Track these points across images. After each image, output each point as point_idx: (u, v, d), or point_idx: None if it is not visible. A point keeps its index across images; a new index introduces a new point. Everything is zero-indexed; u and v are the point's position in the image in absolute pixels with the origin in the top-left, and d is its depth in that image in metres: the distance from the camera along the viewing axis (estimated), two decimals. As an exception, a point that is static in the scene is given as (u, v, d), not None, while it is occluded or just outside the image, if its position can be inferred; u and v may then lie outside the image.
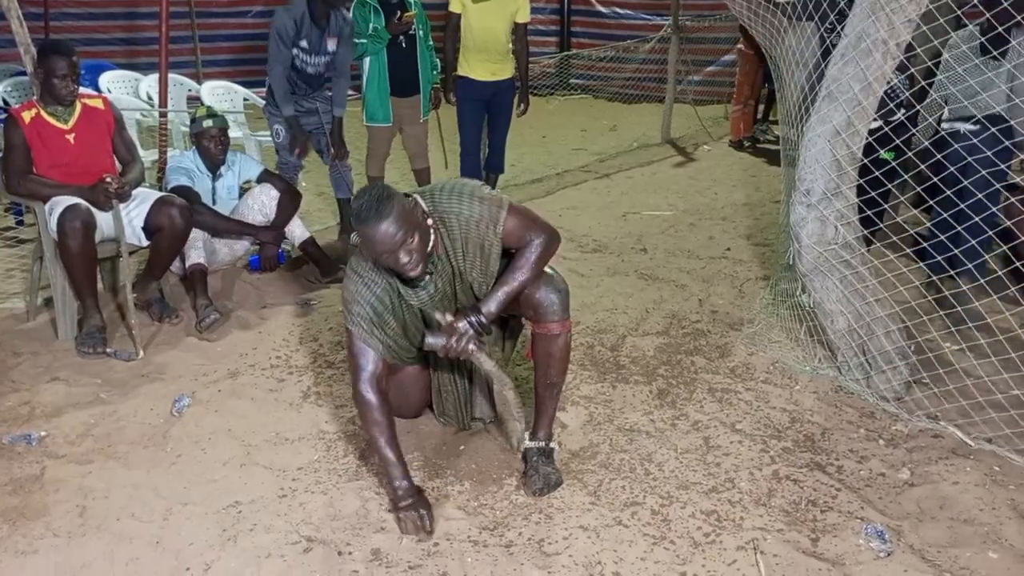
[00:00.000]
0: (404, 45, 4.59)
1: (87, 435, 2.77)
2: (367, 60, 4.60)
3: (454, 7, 4.76)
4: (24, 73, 5.39)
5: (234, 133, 4.91)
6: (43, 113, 3.38)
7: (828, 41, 3.07)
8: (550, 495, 2.42)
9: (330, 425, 2.83)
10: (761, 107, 7.54)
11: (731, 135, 7.25)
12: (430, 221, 2.31)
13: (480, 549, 2.21)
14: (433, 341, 2.29)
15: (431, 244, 2.29)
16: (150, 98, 5.71)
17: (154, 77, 5.64)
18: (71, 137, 3.39)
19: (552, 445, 2.54)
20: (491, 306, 2.33)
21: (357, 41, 4.50)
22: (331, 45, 4.31)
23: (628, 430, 2.78)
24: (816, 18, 3.19)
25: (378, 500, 2.41)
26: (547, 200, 5.70)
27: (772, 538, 2.23)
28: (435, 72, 4.85)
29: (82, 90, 3.52)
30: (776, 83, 3.79)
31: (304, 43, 4.21)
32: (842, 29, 2.89)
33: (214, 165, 3.97)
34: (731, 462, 2.58)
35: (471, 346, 2.29)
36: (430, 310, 2.40)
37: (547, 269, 2.44)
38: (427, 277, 2.35)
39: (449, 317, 2.31)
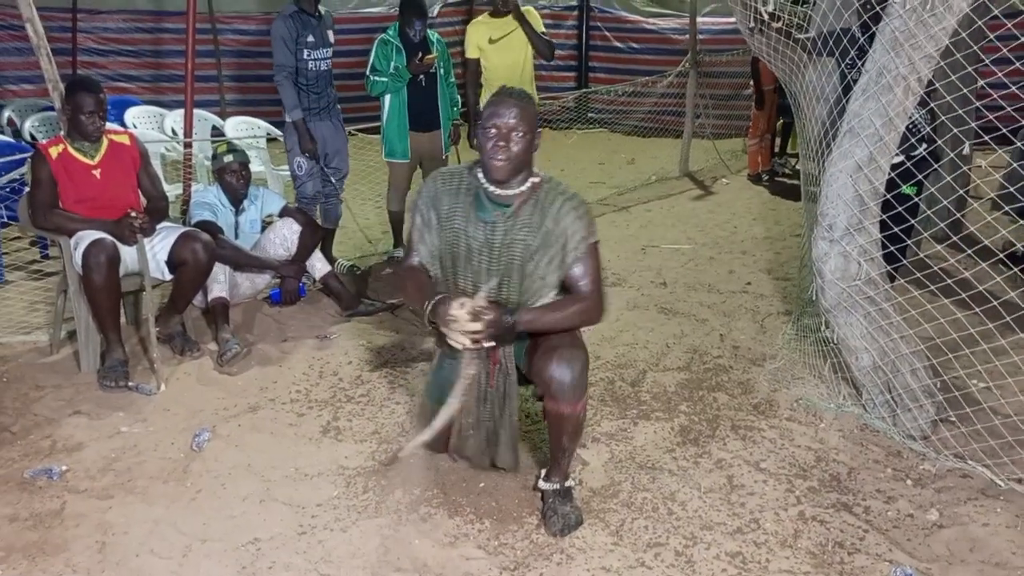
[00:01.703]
0: (424, 83, 4.63)
1: (108, 469, 2.77)
2: (387, 98, 4.65)
3: (471, 53, 4.82)
4: (51, 108, 5.50)
5: (256, 168, 4.97)
6: (70, 149, 3.43)
7: (849, 77, 3.07)
8: (572, 534, 2.39)
9: (350, 461, 2.81)
10: (778, 140, 7.54)
11: (749, 169, 7.24)
12: (536, 179, 2.37)
13: (501, 589, 2.18)
14: (456, 313, 2.21)
15: (522, 187, 2.34)
16: (175, 133, 5.79)
17: (179, 112, 5.74)
18: (97, 172, 3.44)
19: (569, 483, 2.49)
20: (524, 317, 2.29)
21: (377, 79, 4.56)
22: (331, 36, 4.49)
23: (650, 468, 2.74)
24: (836, 54, 3.19)
25: (397, 538, 2.39)
26: (566, 234, 5.69)
27: (799, 581, 2.18)
28: (455, 108, 4.89)
29: (109, 125, 3.58)
30: (795, 118, 3.79)
31: (309, 38, 4.37)
32: (862, 65, 2.90)
33: (236, 200, 4.01)
34: (756, 502, 2.54)
35: (484, 336, 2.22)
36: (476, 252, 2.38)
37: (574, 339, 2.37)
38: (501, 212, 2.35)
39: (483, 301, 2.25)
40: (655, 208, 6.40)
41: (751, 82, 7.07)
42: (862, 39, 2.98)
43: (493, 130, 2.24)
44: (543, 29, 4.91)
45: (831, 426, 2.99)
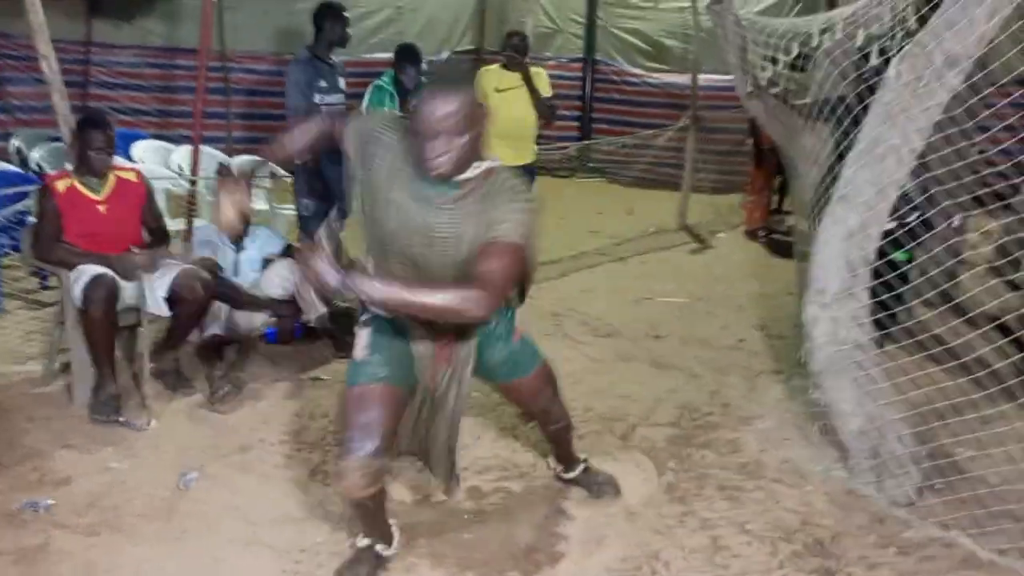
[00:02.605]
0: None
1: (95, 505, 2.77)
2: None
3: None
4: (59, 138, 5.58)
5: (260, 206, 5.03)
6: (77, 183, 3.48)
7: (843, 144, 3.14)
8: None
9: (335, 506, 2.81)
10: (776, 197, 7.63)
11: (746, 224, 7.32)
12: (491, 164, 2.07)
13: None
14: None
15: (472, 172, 2.03)
16: (181, 169, 5.87)
17: (186, 148, 5.81)
18: (103, 208, 3.49)
19: (584, 459, 2.91)
20: (374, 284, 1.97)
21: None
22: (342, 83, 4.63)
23: (635, 524, 2.75)
24: (832, 121, 3.27)
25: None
26: (561, 281, 5.74)
27: (780, 647, 2.18)
28: None
29: (117, 161, 3.64)
30: (790, 178, 3.87)
31: (322, 83, 4.51)
32: (856, 133, 2.97)
33: (238, 238, 4.05)
34: (740, 565, 2.54)
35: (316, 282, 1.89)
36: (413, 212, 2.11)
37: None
38: (446, 194, 2.06)
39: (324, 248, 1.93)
40: (651, 260, 6.46)
41: (750, 139, 7.18)
42: (857, 108, 3.06)
43: (421, 130, 1.95)
44: (549, 92, 5.02)
45: (818, 489, 3.00)
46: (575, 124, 10.48)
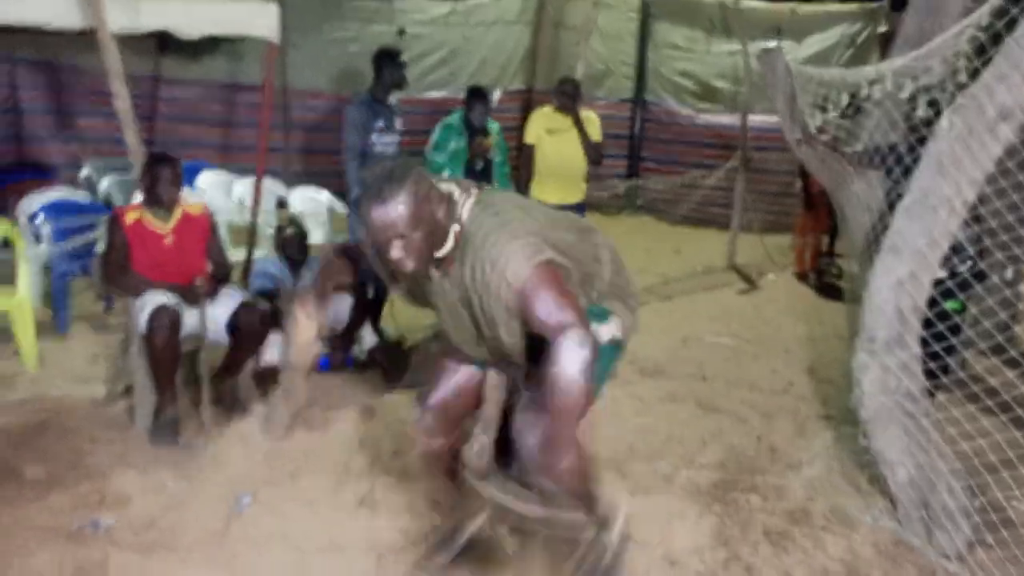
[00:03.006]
0: (480, 169, 4.85)
1: (152, 526, 2.87)
2: (444, 175, 4.88)
3: (529, 139, 5.04)
4: (124, 169, 5.82)
5: (317, 239, 5.18)
6: (145, 216, 3.64)
7: (892, 194, 3.15)
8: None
9: (383, 534, 2.87)
10: (826, 240, 7.57)
11: (795, 266, 7.28)
12: (456, 228, 2.00)
13: None
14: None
15: (443, 252, 2.00)
16: (242, 201, 6.07)
17: (248, 181, 6.01)
18: (169, 240, 3.64)
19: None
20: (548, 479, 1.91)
21: (435, 159, 4.80)
22: (399, 124, 4.80)
23: (678, 567, 2.75)
24: (882, 169, 3.28)
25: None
26: (609, 320, 5.77)
27: None
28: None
29: (186, 192, 3.80)
30: (840, 223, 3.87)
31: (380, 123, 4.67)
32: (907, 182, 2.98)
33: (296, 269, 4.19)
34: (784, 612, 2.53)
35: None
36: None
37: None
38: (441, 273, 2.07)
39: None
40: (699, 300, 6.45)
41: (800, 182, 7.16)
42: (908, 159, 3.07)
43: (374, 243, 1.95)
44: (599, 138, 5.12)
45: (865, 539, 2.97)
46: (623, 162, 10.55)
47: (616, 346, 2.24)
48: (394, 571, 2.67)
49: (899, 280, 2.89)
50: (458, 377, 2.36)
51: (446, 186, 2.03)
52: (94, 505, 2.98)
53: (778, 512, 3.13)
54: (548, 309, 1.89)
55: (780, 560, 2.81)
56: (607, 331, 2.18)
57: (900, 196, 3.03)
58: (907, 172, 3.07)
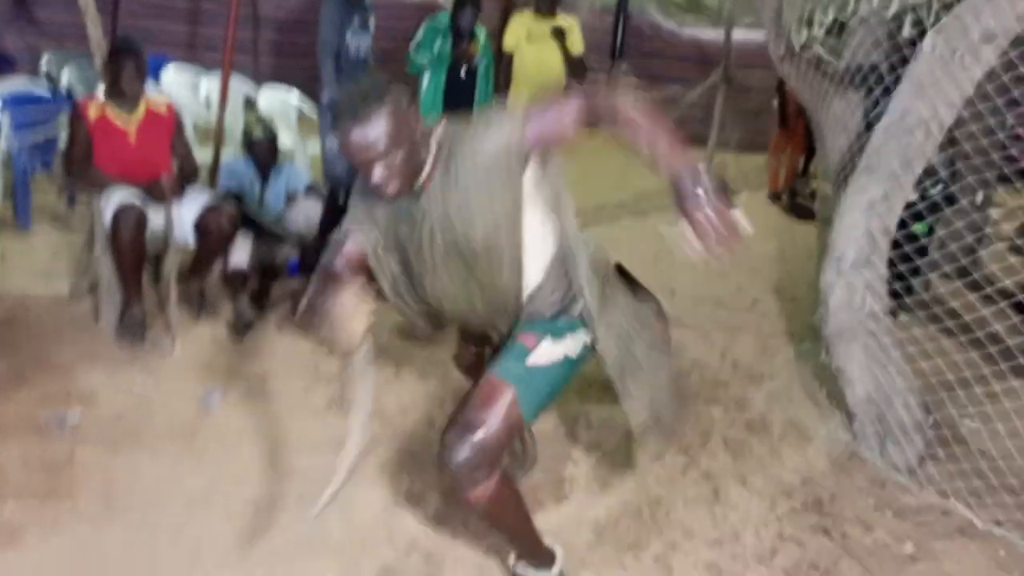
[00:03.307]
0: (464, 76, 4.73)
1: (119, 422, 2.88)
2: (424, 78, 4.76)
3: (507, 46, 4.91)
4: (85, 59, 5.59)
5: (285, 141, 5.06)
6: (108, 111, 3.52)
7: (871, 114, 3.14)
8: (559, 528, 2.47)
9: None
10: (802, 160, 7.58)
11: (769, 186, 7.29)
12: (435, 141, 1.88)
13: (483, 572, 2.27)
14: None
15: (423, 172, 1.87)
16: (208, 99, 5.89)
17: (215, 77, 5.83)
18: (132, 136, 3.53)
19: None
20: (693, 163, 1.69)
21: (417, 58, 4.68)
22: (371, 23, 4.67)
23: (638, 472, 2.83)
24: (863, 89, 3.25)
25: (392, 512, 2.48)
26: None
27: (771, 597, 2.27)
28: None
29: (149, 87, 3.67)
30: (817, 143, 3.86)
31: (355, 21, 4.53)
32: (886, 103, 2.96)
33: (264, 173, 4.10)
34: (738, 516, 2.62)
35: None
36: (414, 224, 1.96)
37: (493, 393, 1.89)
38: (414, 201, 1.92)
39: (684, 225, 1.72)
40: (672, 217, 6.45)
41: (777, 100, 7.10)
42: (888, 79, 3.04)
43: (355, 164, 1.83)
44: (580, 49, 4.99)
45: (820, 450, 3.07)
46: (603, 77, 10.36)
47: (571, 363, 2.04)
48: (362, 467, 2.71)
49: (871, 201, 2.90)
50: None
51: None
52: (60, 401, 2.97)
53: (737, 423, 3.22)
54: (560, 105, 1.82)
55: (737, 468, 2.90)
56: (560, 349, 2.00)
57: (879, 117, 3.02)
58: (887, 92, 3.05)
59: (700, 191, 1.66)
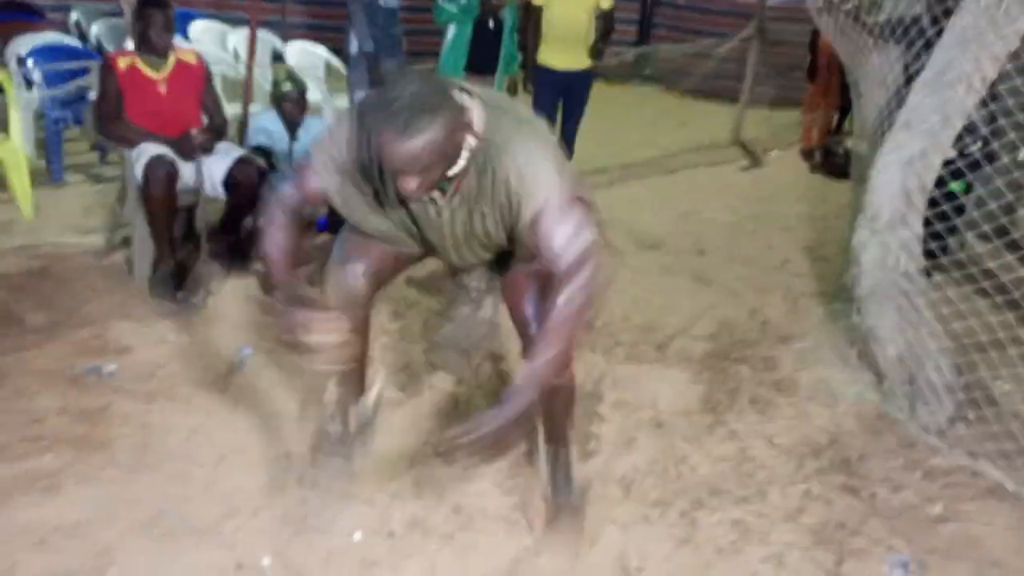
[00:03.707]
0: (491, 26, 4.67)
1: (153, 375, 2.93)
2: (451, 28, 4.70)
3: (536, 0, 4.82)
4: (117, 13, 5.60)
5: (314, 97, 5.05)
6: (138, 63, 3.52)
7: (912, 68, 3.05)
8: (585, 483, 2.49)
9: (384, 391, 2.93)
10: (836, 117, 7.42)
11: (802, 143, 7.16)
12: (473, 144, 1.77)
13: (511, 526, 2.30)
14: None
15: (463, 157, 1.78)
16: (236, 53, 5.87)
17: (242, 32, 5.80)
18: (163, 88, 3.54)
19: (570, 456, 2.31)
20: (527, 384, 1.77)
21: (445, 7, 4.62)
22: None
23: (665, 430, 2.83)
24: (903, 43, 3.16)
25: (429, 464, 2.50)
26: (609, 191, 5.72)
27: (796, 554, 2.28)
28: (514, 64, 4.92)
29: (178, 42, 3.66)
30: (854, 99, 3.77)
31: None
32: (927, 58, 2.88)
33: (292, 128, 4.09)
34: (764, 475, 2.63)
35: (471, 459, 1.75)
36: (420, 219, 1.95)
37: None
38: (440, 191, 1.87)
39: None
40: (701, 174, 6.38)
41: (808, 54, 6.94)
42: (930, 31, 2.95)
43: (388, 168, 1.74)
44: (611, 3, 4.89)
45: (849, 411, 3.05)
46: (633, 28, 10.19)
47: None
48: (388, 420, 2.75)
49: (909, 158, 2.84)
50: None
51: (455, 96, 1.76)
52: (95, 352, 3.03)
53: (766, 382, 3.21)
54: (569, 235, 1.76)
55: (764, 427, 2.90)
56: None
57: (918, 72, 2.94)
58: (928, 46, 2.96)
59: (508, 410, 1.75)
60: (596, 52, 4.93)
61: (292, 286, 1.93)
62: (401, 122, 1.61)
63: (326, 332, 1.86)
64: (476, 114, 1.78)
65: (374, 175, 1.90)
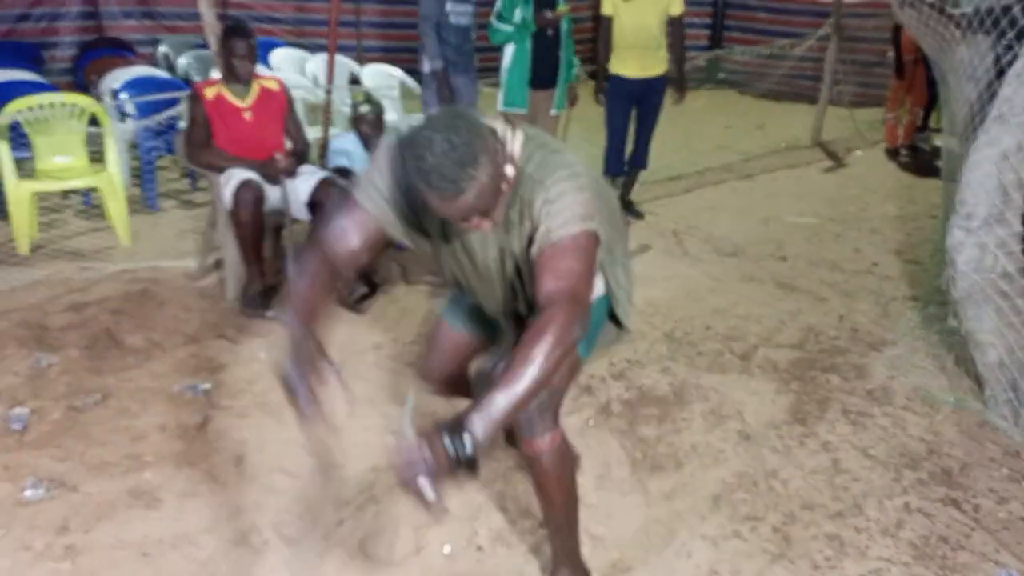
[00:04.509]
0: (550, 35, 4.67)
1: (246, 391, 3.03)
2: (509, 48, 4.72)
3: (606, 9, 4.80)
4: (203, 45, 5.84)
5: (390, 117, 5.15)
6: (224, 91, 3.66)
7: (1004, 60, 2.92)
8: (672, 496, 2.46)
9: (460, 402, 2.96)
10: (922, 113, 7.17)
11: (886, 142, 6.94)
12: (511, 173, 1.70)
13: (595, 541, 2.29)
14: (403, 434, 1.59)
15: (503, 185, 1.69)
16: (316, 77, 6.04)
17: (320, 57, 5.97)
18: (248, 115, 3.67)
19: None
20: (478, 429, 1.49)
21: (500, 28, 4.64)
22: None
23: (753, 442, 2.77)
24: (993, 33, 3.03)
25: (513, 479, 2.52)
26: (685, 198, 5.66)
27: (897, 571, 2.20)
28: (573, 70, 4.91)
29: (260, 70, 3.79)
30: (942, 94, 3.63)
31: None
32: (1020, 48, 2.75)
33: (371, 148, 4.18)
34: (860, 488, 2.54)
35: (420, 479, 1.48)
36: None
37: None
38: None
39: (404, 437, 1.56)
40: (781, 178, 6.25)
41: (892, 50, 6.72)
42: (1023, 20, 2.82)
43: (452, 217, 1.66)
44: (681, 9, 4.83)
45: (948, 419, 2.93)
46: (705, 32, 10.07)
47: (604, 300, 2.03)
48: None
49: (1004, 152, 2.72)
50: (449, 344, 2.24)
51: (491, 123, 1.72)
52: (192, 371, 3.15)
53: (858, 391, 3.11)
54: (568, 274, 1.64)
55: (858, 438, 2.81)
56: (598, 285, 1.97)
57: (1011, 63, 2.81)
58: (1021, 36, 2.83)
59: (447, 445, 1.47)
60: (679, 31, 4.86)
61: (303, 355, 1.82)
62: (445, 184, 1.54)
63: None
64: (516, 144, 1.74)
65: (421, 214, 1.83)
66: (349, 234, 1.82)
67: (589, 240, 1.68)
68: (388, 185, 1.81)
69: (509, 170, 1.69)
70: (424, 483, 1.47)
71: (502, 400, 1.51)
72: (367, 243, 1.83)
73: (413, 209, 1.82)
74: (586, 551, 2.19)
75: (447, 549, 2.26)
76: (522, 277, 1.85)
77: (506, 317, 2.09)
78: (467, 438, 1.48)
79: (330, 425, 1.75)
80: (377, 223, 1.82)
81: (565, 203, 1.67)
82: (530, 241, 1.73)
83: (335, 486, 1.81)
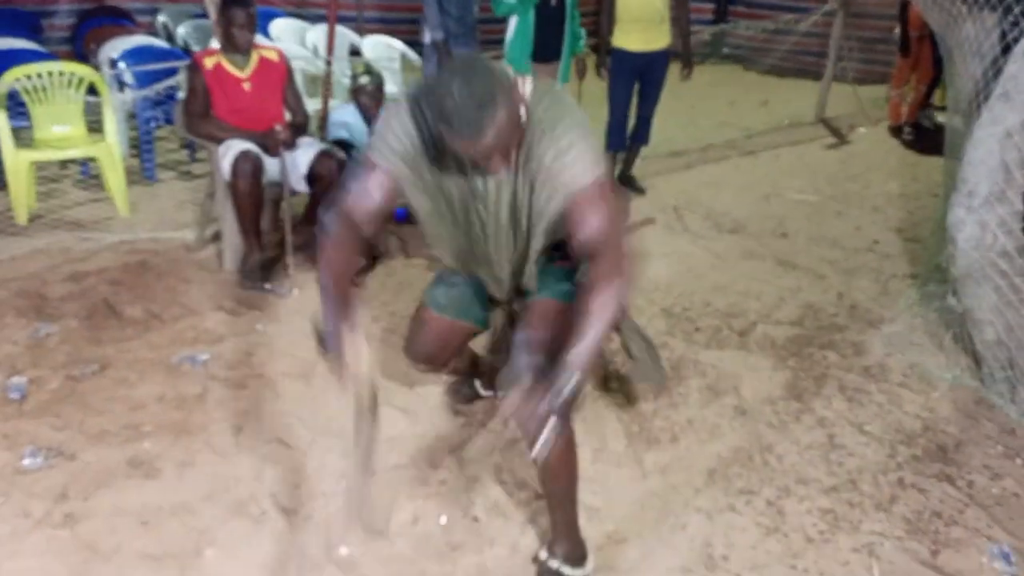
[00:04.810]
0: (554, 5, 4.61)
1: (244, 362, 3.03)
2: (513, 19, 4.67)
3: None
4: (202, 15, 5.79)
5: (390, 89, 5.12)
6: (223, 61, 3.63)
7: (1009, 36, 2.90)
8: (668, 470, 2.47)
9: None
10: (925, 90, 7.11)
11: (890, 119, 6.89)
12: (522, 113, 1.77)
13: (592, 512, 2.30)
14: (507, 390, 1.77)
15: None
16: (316, 48, 5.99)
17: (321, 28, 5.92)
18: (247, 85, 3.64)
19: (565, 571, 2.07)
20: (578, 370, 1.67)
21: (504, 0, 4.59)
22: None
23: (750, 417, 2.78)
24: (999, 9, 3.00)
25: (509, 452, 2.53)
26: (688, 175, 5.64)
27: (890, 544, 2.21)
28: (580, 42, 4.86)
29: (260, 40, 3.76)
30: (946, 72, 3.60)
31: None
32: (1027, 24, 2.73)
33: (371, 120, 4.16)
34: (855, 463, 2.55)
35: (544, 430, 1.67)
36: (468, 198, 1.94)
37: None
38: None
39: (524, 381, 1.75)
40: (784, 154, 6.22)
41: (898, 26, 6.66)
42: (1031, -5, 2.79)
43: (466, 157, 1.78)
44: None
45: (944, 396, 2.94)
46: (710, 6, 9.97)
47: None
48: (470, 409, 2.78)
49: (1007, 131, 2.70)
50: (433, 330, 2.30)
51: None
52: (190, 342, 3.15)
53: (855, 368, 3.11)
54: (603, 220, 1.75)
55: (854, 414, 2.82)
56: None
57: (1016, 40, 2.79)
58: (1028, 12, 2.80)
59: (563, 390, 1.67)
60: (685, 36, 4.85)
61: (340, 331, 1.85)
62: (466, 126, 1.62)
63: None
64: (526, 87, 1.80)
65: (442, 154, 1.87)
66: (371, 193, 1.88)
67: (605, 181, 1.79)
68: (402, 142, 1.86)
69: (523, 111, 1.75)
70: (548, 423, 1.66)
71: (592, 337, 1.68)
72: (388, 202, 1.91)
73: (429, 161, 1.88)
74: (582, 522, 2.19)
75: (443, 519, 2.28)
76: (531, 225, 1.91)
77: (507, 293, 2.14)
78: (572, 378, 1.66)
79: (364, 374, 1.84)
80: (394, 181, 1.89)
81: (580, 149, 1.76)
82: (532, 187, 1.83)
83: (375, 429, 1.93)
